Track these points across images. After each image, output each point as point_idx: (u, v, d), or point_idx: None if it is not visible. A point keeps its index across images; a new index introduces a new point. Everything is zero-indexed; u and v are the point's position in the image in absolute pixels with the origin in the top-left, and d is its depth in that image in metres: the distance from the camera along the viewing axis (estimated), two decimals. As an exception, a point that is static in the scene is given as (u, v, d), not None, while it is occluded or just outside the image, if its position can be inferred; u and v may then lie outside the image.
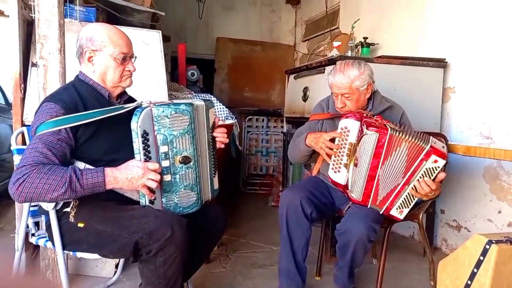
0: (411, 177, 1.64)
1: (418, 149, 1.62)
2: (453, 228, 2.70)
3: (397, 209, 1.71)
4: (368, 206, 1.74)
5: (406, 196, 1.68)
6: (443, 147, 1.67)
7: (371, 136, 1.66)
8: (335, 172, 1.81)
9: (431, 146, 1.60)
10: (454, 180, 2.61)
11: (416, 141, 1.62)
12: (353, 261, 1.77)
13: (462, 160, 2.48)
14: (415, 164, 1.62)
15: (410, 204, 1.70)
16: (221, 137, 1.61)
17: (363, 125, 1.69)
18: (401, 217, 1.72)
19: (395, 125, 1.73)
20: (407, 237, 2.97)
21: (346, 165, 1.75)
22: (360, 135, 1.70)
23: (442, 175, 1.63)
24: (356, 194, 1.75)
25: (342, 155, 1.76)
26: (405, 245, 2.82)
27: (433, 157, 1.59)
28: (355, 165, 1.72)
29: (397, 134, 1.64)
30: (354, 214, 1.74)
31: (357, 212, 1.74)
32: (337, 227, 1.76)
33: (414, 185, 1.65)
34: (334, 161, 1.80)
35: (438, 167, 1.60)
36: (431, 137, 1.70)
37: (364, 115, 1.75)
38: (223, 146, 1.64)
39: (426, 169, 1.62)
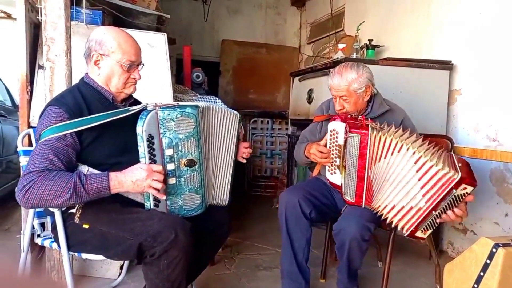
0: (438, 204, 1.56)
1: (447, 179, 1.52)
2: (460, 231, 2.67)
3: (421, 231, 1.65)
4: (363, 207, 1.72)
5: (432, 220, 1.62)
6: (467, 166, 1.59)
7: (354, 138, 1.66)
8: (331, 174, 1.82)
9: (461, 177, 1.50)
10: (460, 183, 2.58)
11: (447, 169, 1.52)
12: (351, 261, 1.76)
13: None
14: (444, 193, 1.54)
15: (434, 226, 1.64)
16: (246, 152, 1.70)
17: (346, 127, 1.68)
18: (425, 236, 1.67)
19: (379, 125, 1.68)
20: (413, 240, 2.95)
21: (339, 167, 1.76)
22: (345, 137, 1.70)
23: (470, 198, 1.56)
24: (349, 196, 1.74)
25: (335, 157, 1.77)
26: (410, 248, 2.80)
27: (463, 185, 1.52)
28: (344, 167, 1.72)
29: (378, 133, 1.61)
30: (348, 214, 1.75)
31: (351, 212, 1.74)
32: (333, 227, 1.77)
33: (441, 212, 1.58)
34: (329, 163, 1.81)
35: (467, 193, 1.54)
36: (453, 155, 1.64)
37: (349, 116, 1.76)
38: (244, 161, 1.72)
39: (455, 196, 1.55)
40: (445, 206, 1.57)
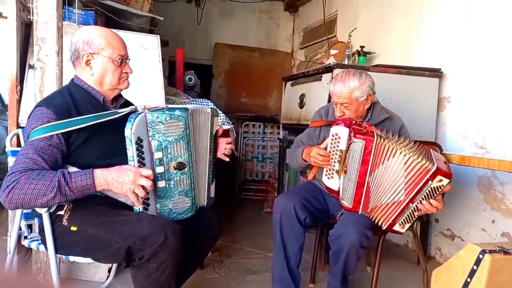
0: (415, 196, 1.62)
1: (423, 170, 1.57)
2: (447, 237, 2.70)
3: (399, 224, 1.69)
4: (359, 213, 1.73)
5: (410, 213, 1.66)
6: (444, 162, 1.65)
7: (358, 144, 1.66)
8: (328, 178, 1.82)
9: (437, 167, 1.56)
10: (448, 190, 2.61)
11: (420, 159, 1.57)
12: (346, 268, 1.76)
13: (456, 170, 2.47)
14: (420, 184, 1.59)
15: (412, 219, 1.68)
16: (227, 149, 1.66)
17: (351, 132, 1.69)
18: (403, 231, 1.71)
19: (384, 133, 1.71)
20: (401, 246, 2.97)
21: (338, 172, 1.76)
22: (349, 142, 1.70)
23: (447, 188, 1.61)
24: (347, 201, 1.75)
25: (335, 162, 1.77)
26: (399, 254, 2.82)
27: (439, 177, 1.57)
28: (345, 172, 1.73)
29: (383, 141, 1.63)
30: (346, 220, 1.74)
31: (349, 218, 1.74)
32: (330, 233, 1.76)
33: (417, 204, 1.63)
34: (327, 167, 1.81)
35: (443, 185, 1.59)
36: (431, 150, 1.68)
37: (353, 122, 1.76)
38: (228, 159, 1.67)
39: (431, 188, 1.60)
40: (422, 198, 1.62)
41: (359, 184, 1.69)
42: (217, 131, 1.62)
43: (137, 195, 1.31)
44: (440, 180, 1.57)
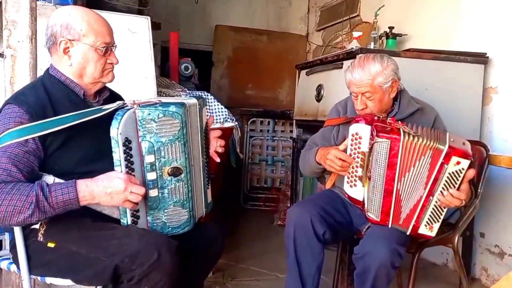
0: (433, 186, 1.65)
1: (435, 152, 1.62)
2: (495, 255, 2.67)
3: (425, 225, 1.70)
4: (389, 227, 1.73)
5: (433, 208, 1.68)
6: (463, 143, 1.66)
7: (382, 144, 1.66)
8: (351, 186, 1.81)
9: (449, 147, 1.60)
10: (496, 198, 2.59)
11: (430, 142, 1.62)
12: None
13: (505, 174, 2.46)
14: (436, 170, 1.63)
15: (440, 217, 1.70)
16: (216, 145, 1.62)
17: (373, 130, 1.69)
18: (433, 234, 1.72)
19: (413, 128, 1.70)
20: (439, 265, 2.95)
21: (361, 178, 1.76)
22: (371, 142, 1.70)
23: (470, 174, 1.63)
24: (373, 213, 1.74)
25: (357, 167, 1.77)
26: (437, 275, 2.80)
27: (454, 158, 1.60)
28: (369, 178, 1.72)
29: (412, 139, 1.64)
30: (375, 234, 1.73)
31: (378, 232, 1.73)
32: (355, 250, 1.75)
33: (439, 196, 1.66)
34: (348, 173, 1.81)
35: (463, 169, 1.61)
36: (447, 133, 1.70)
37: (375, 118, 1.76)
38: (218, 160, 1.66)
39: (449, 173, 1.62)
40: (443, 188, 1.64)
41: (386, 192, 1.69)
42: (206, 123, 1.61)
43: (132, 203, 1.31)
44: (458, 163, 1.60)
